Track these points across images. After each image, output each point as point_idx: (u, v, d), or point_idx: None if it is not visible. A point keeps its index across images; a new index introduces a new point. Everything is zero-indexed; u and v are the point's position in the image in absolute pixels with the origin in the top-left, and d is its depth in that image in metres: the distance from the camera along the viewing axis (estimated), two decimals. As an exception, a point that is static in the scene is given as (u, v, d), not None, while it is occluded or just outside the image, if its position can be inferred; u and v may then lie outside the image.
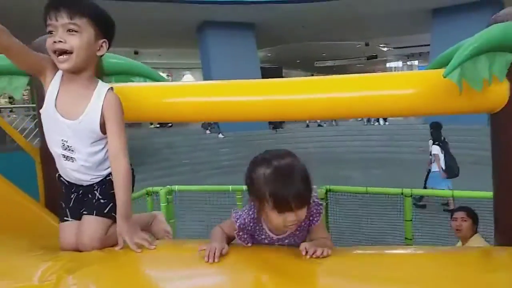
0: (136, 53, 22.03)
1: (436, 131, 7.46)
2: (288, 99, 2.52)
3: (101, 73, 1.79)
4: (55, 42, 1.41)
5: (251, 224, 1.43)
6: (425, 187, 7.15)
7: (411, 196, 4.29)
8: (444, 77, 1.98)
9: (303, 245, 1.32)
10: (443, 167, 6.99)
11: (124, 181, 1.53)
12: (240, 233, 1.51)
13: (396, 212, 4.53)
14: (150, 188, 4.92)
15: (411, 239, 4.31)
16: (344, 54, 28.78)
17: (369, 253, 1.57)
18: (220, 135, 15.67)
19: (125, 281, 1.33)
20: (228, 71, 13.29)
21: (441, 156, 7.21)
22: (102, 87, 1.57)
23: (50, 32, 1.42)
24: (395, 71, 27.93)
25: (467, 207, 2.84)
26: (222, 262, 1.35)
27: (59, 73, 1.52)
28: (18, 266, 1.42)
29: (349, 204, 4.72)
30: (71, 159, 1.58)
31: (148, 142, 13.91)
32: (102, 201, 1.60)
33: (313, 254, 1.29)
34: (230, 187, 4.77)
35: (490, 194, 3.53)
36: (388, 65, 33.72)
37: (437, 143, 7.44)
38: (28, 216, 2.26)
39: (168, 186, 4.88)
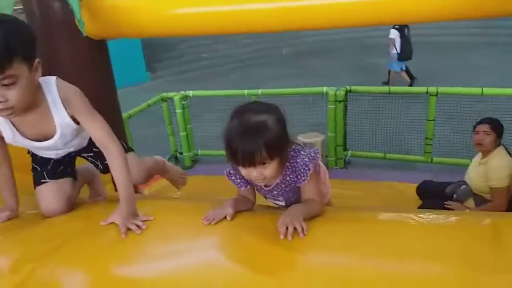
0: None
1: None
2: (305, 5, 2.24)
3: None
4: None
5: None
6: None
7: (436, 95, 4.06)
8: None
9: (278, 224, 1.23)
10: (398, 50, 7.51)
11: (121, 173, 1.39)
12: (233, 178, 1.44)
13: (419, 111, 4.34)
14: (164, 94, 4.83)
15: (431, 139, 4.20)
16: None
17: (365, 218, 1.42)
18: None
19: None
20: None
21: (398, 40, 7.51)
22: (50, 93, 1.36)
23: None
24: None
25: (491, 118, 2.61)
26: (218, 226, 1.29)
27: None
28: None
29: (370, 103, 4.53)
30: (65, 152, 1.58)
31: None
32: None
33: (287, 233, 1.18)
34: (246, 91, 4.61)
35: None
36: None
37: (397, 27, 7.45)
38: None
39: (182, 91, 4.77)
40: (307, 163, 1.36)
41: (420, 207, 2.87)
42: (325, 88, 4.37)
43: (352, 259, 1.14)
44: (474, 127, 2.65)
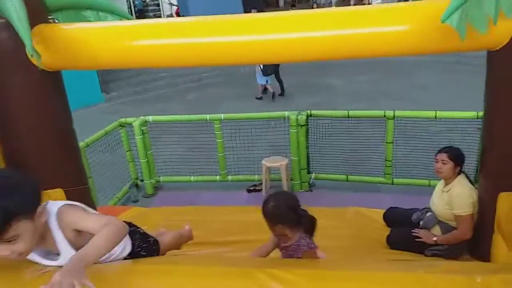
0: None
1: None
2: (273, 39, 2.21)
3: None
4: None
5: None
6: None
7: (393, 118, 4.19)
8: (442, 22, 1.70)
9: None
10: (261, 68, 9.11)
11: (103, 238, 1.31)
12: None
13: (379, 133, 4.46)
14: (123, 120, 4.66)
15: (390, 161, 4.32)
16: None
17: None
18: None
19: None
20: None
21: None
22: (52, 222, 1.41)
23: None
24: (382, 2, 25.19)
25: (451, 148, 2.70)
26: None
27: None
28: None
29: (330, 128, 4.60)
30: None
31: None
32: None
33: None
34: (208, 116, 4.54)
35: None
36: None
37: None
38: None
39: (141, 117, 4.62)
40: (303, 244, 1.99)
41: (389, 236, 2.91)
42: (286, 112, 4.40)
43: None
44: (436, 155, 2.74)
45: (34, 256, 1.45)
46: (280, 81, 9.84)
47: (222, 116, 4.52)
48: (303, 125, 4.32)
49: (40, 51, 2.35)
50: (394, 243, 2.88)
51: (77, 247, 1.37)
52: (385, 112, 4.21)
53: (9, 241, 1.22)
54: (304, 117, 4.32)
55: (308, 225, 2.04)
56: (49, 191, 2.74)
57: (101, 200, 4.27)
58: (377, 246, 2.88)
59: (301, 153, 4.40)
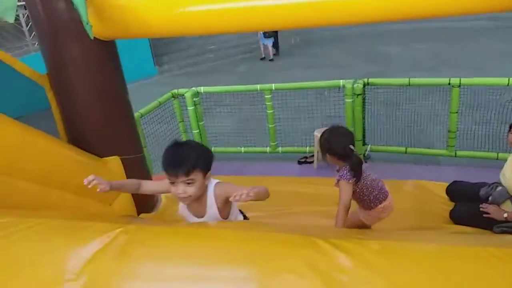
0: None
1: None
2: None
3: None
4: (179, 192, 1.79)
5: None
6: None
7: (459, 86, 3.87)
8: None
9: None
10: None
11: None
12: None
13: (441, 104, 4.17)
14: (175, 91, 4.68)
15: (454, 132, 4.02)
16: None
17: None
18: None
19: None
20: None
21: None
22: (210, 189, 1.91)
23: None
24: None
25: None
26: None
27: None
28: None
29: (389, 95, 4.36)
30: None
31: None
32: None
33: None
34: (258, 86, 4.45)
35: None
36: None
37: None
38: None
39: (193, 88, 4.62)
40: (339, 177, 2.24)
41: (453, 211, 2.72)
42: (341, 81, 4.20)
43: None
44: (510, 126, 2.48)
45: (185, 212, 1.97)
46: (277, 43, 11.51)
47: (274, 86, 4.41)
48: (359, 94, 4.11)
49: (92, 21, 2.37)
50: (458, 218, 2.69)
51: (221, 215, 1.91)
52: (449, 80, 3.89)
53: (188, 183, 1.73)
54: (361, 86, 4.10)
55: (354, 164, 2.20)
56: (106, 158, 2.84)
57: (157, 169, 4.38)
58: (440, 221, 2.70)
59: (357, 124, 4.21)
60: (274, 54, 11.33)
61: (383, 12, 2.13)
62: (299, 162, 4.46)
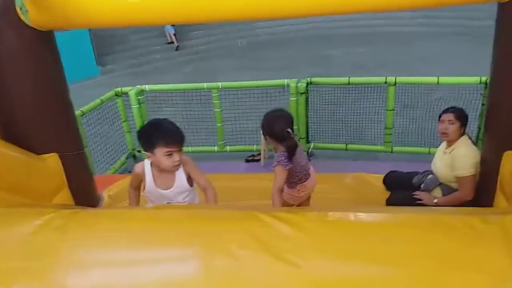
0: None
1: None
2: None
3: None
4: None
5: None
6: None
7: (394, 84, 4.12)
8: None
9: None
10: None
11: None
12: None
13: (380, 103, 4.40)
14: (119, 89, 4.56)
15: (390, 129, 4.27)
16: None
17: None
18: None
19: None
20: None
21: None
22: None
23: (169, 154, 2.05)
24: None
25: (456, 108, 2.65)
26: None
27: (148, 169, 2.21)
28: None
29: (330, 95, 4.53)
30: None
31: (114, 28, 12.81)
32: None
33: None
34: (205, 85, 4.45)
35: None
36: None
37: None
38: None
39: (138, 86, 4.53)
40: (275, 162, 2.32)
41: (389, 199, 2.89)
42: (286, 80, 4.32)
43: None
44: (440, 116, 2.68)
45: (152, 187, 2.17)
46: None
47: (220, 84, 4.44)
48: (302, 93, 4.25)
49: (30, 8, 2.26)
50: (394, 205, 2.84)
51: (188, 183, 2.19)
52: (386, 79, 4.13)
53: (179, 151, 2.07)
54: (304, 85, 4.24)
55: (290, 146, 2.27)
56: (44, 155, 2.71)
57: (98, 171, 4.23)
58: (377, 210, 2.86)
59: (300, 122, 4.34)
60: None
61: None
62: (247, 160, 4.51)
